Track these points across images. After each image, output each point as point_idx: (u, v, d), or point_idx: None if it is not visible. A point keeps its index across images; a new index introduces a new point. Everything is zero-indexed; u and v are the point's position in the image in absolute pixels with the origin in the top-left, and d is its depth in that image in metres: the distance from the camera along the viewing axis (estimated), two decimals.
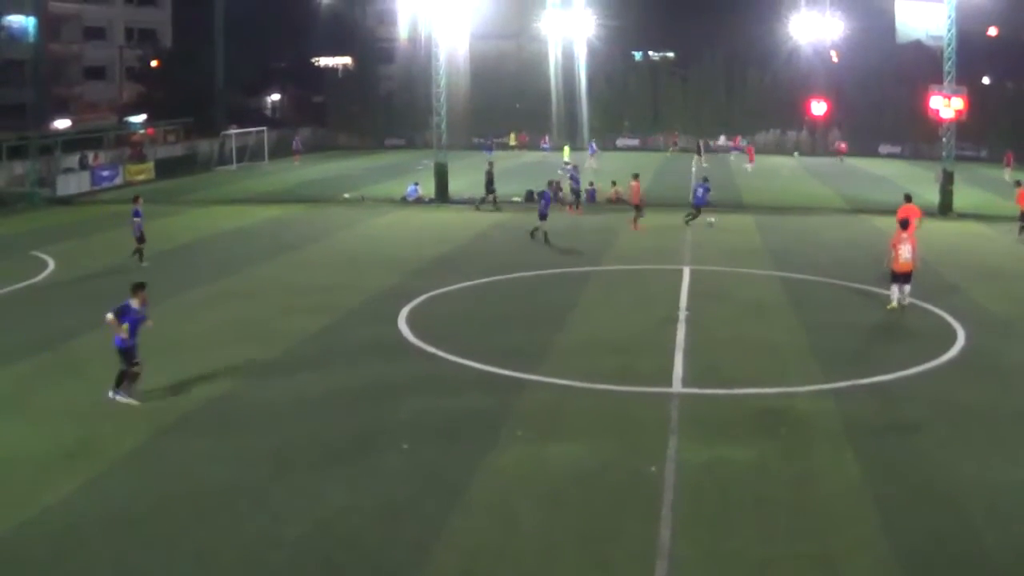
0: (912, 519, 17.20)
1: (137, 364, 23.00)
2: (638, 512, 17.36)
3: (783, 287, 36.56)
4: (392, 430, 21.02)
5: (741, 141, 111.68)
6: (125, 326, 22.79)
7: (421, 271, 39.32)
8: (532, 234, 46.92)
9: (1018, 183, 52.01)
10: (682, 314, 31.66)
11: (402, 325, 30.02)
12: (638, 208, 52.64)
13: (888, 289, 33.28)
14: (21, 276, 37.58)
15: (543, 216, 46.73)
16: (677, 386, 24.53)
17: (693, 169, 64.31)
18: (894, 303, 32.67)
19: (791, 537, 16.54)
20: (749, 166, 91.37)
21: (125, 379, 22.97)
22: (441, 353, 26.92)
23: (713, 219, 52.44)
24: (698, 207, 53.15)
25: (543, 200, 47.69)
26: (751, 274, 38.88)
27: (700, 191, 53.89)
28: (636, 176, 55.09)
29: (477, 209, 59.61)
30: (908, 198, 41.67)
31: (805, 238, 49.32)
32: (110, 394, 22.85)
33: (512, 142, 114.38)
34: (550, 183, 57.52)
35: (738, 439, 20.89)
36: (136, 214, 41.12)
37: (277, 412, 22.34)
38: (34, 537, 16.25)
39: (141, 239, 40.95)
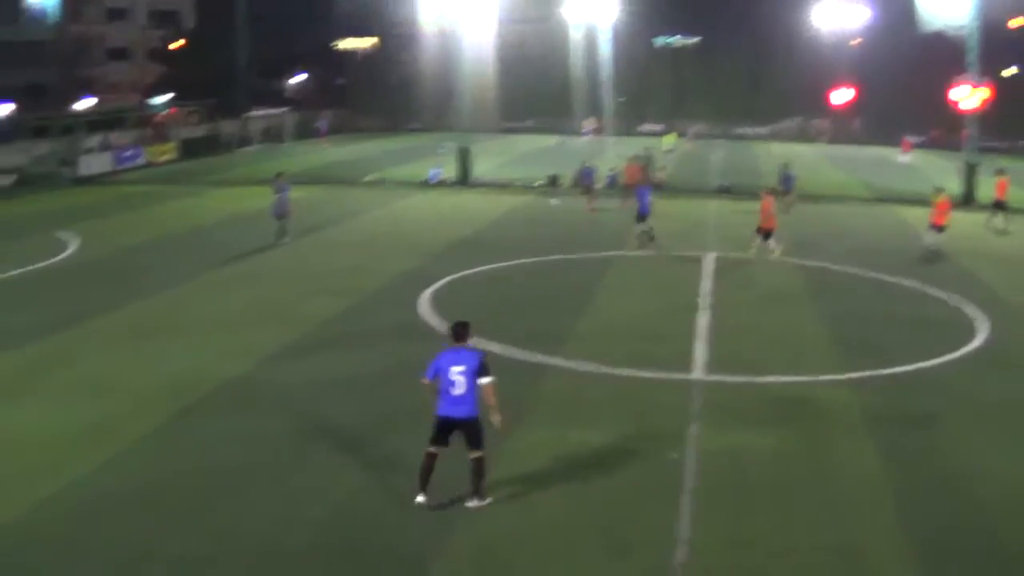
0: (930, 510, 17.15)
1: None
2: (658, 498, 17.30)
3: (804, 275, 36.38)
4: (412, 413, 20.92)
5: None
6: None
7: (443, 254, 39.26)
8: (640, 237, 41.65)
9: (1000, 171, 50.98)
10: (703, 301, 31.57)
11: (423, 308, 30.00)
12: None
13: None
14: (43, 256, 37.61)
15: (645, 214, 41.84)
16: (698, 373, 24.45)
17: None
18: (776, 252, 38.64)
19: (811, 526, 16.49)
20: (904, 157, 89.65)
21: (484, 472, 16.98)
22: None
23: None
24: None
25: (643, 194, 42.51)
26: (772, 261, 38.69)
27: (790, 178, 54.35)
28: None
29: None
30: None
31: (827, 226, 48.94)
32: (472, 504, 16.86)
33: (587, 126, 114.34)
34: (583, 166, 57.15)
35: (758, 427, 20.82)
36: (282, 189, 41.30)
37: (296, 394, 22.37)
38: (52, 517, 16.26)
39: (284, 215, 41.17)
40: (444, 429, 16.55)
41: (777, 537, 16.05)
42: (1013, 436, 20.73)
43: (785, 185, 53.70)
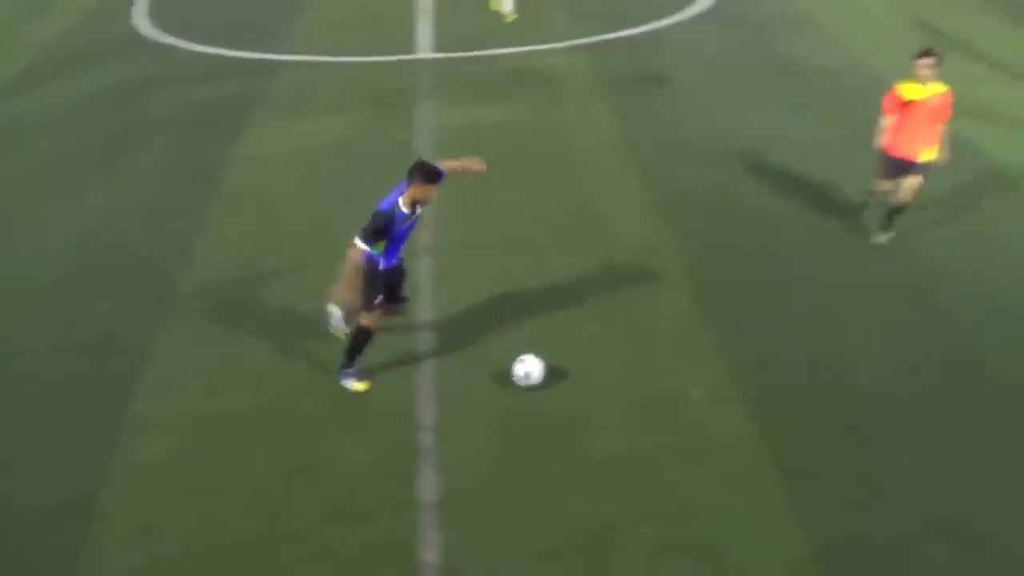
0: (668, 170, 17.98)
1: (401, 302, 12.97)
2: (396, 176, 17.77)
3: None
4: (143, 128, 20.85)
5: None
6: (380, 244, 12.13)
7: None
8: None
9: None
10: None
11: (138, 19, 29.18)
12: None
13: None
14: None
15: None
16: (425, 52, 24.76)
17: None
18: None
19: (555, 193, 17.23)
20: None
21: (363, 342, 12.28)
22: (183, 43, 26.48)
23: None
24: None
25: None
26: None
27: None
28: None
29: None
30: None
31: None
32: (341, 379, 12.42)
33: None
34: None
35: (493, 100, 21.47)
36: None
37: (25, 127, 21.84)
38: None
39: None
40: None
41: (530, 206, 16.72)
42: (749, 94, 21.64)
43: None
